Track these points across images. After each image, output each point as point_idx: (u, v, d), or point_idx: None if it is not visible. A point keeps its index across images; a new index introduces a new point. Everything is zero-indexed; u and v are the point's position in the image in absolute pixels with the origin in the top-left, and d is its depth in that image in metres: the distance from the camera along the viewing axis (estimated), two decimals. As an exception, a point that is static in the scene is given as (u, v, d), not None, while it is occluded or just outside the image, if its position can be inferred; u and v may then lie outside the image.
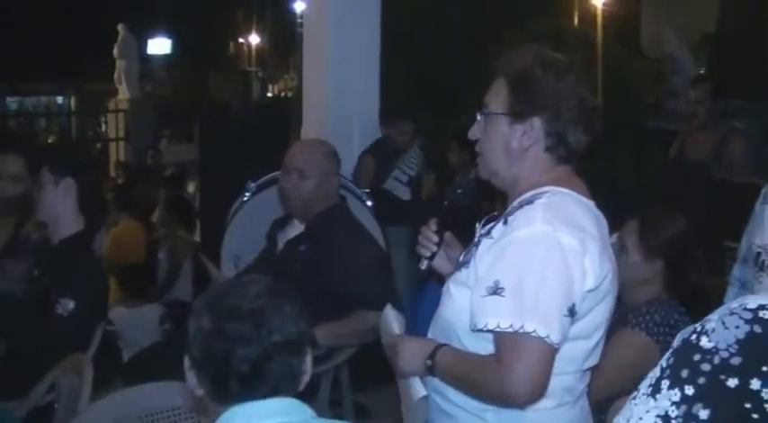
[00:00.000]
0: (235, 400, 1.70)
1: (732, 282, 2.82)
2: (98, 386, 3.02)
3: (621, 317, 2.58)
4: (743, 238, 2.79)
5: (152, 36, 23.55)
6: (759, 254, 2.63)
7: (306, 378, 1.78)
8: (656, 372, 1.14)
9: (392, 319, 2.36)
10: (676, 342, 1.15)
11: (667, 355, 1.15)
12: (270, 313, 1.70)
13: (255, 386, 1.70)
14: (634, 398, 1.16)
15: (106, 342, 3.66)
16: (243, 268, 3.89)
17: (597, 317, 2.03)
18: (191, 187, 9.75)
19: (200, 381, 1.74)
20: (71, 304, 3.34)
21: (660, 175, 6.15)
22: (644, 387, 1.15)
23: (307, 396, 1.80)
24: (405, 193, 5.86)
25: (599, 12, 8.88)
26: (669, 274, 2.71)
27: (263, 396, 1.71)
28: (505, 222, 2.02)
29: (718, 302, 2.94)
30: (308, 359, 1.79)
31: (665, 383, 1.11)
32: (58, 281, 3.43)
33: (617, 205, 2.29)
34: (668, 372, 1.12)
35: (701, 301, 2.73)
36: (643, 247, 2.69)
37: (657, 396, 1.11)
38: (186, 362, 1.75)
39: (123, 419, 2.61)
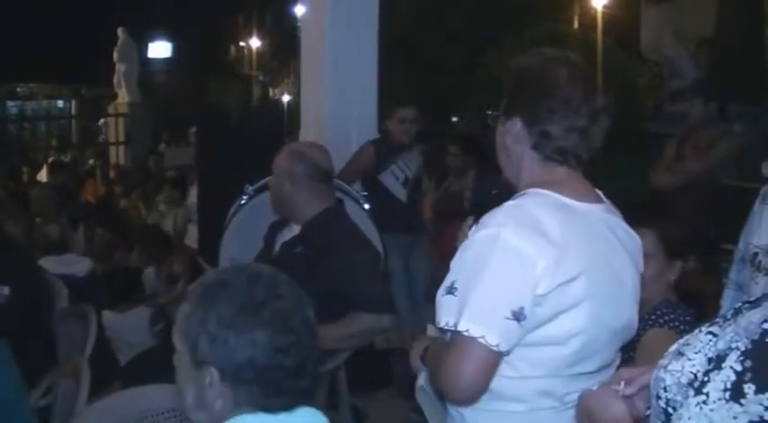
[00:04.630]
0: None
1: (728, 284, 2.81)
2: (95, 390, 3.03)
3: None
4: (740, 238, 2.79)
5: (152, 40, 23.57)
6: (756, 254, 2.62)
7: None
8: (723, 375, 1.12)
9: (431, 330, 2.39)
10: (741, 344, 1.12)
11: (736, 357, 1.12)
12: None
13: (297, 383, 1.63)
14: (704, 402, 1.13)
15: (102, 345, 3.67)
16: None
17: (571, 324, 1.97)
18: (192, 193, 9.73)
19: (238, 390, 1.61)
20: (5, 290, 3.40)
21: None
22: (714, 391, 1.12)
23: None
24: (401, 193, 5.72)
25: (599, 15, 8.87)
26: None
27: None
28: (478, 223, 2.04)
29: (715, 304, 2.95)
30: None
31: (749, 387, 1.09)
32: None
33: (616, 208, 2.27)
34: (750, 375, 1.09)
35: (698, 302, 2.76)
36: (664, 250, 2.73)
37: (743, 401, 1.09)
38: (213, 376, 1.61)
39: (120, 422, 2.61)
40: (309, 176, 3.58)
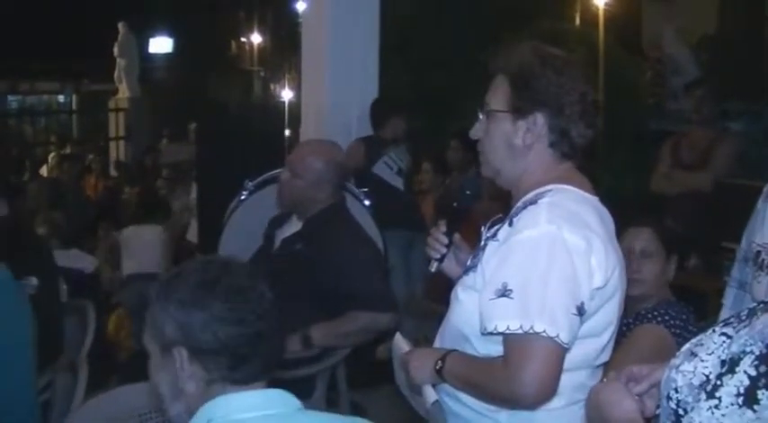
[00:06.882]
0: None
1: (730, 283, 2.80)
2: (93, 386, 3.02)
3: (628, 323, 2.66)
4: (743, 237, 2.78)
5: (153, 35, 23.50)
6: (759, 252, 2.60)
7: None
8: (737, 379, 1.10)
9: (401, 342, 2.36)
10: (756, 348, 1.11)
11: (750, 361, 1.10)
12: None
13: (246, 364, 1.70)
14: (716, 407, 1.11)
15: (101, 342, 3.66)
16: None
17: (607, 315, 2.03)
18: (193, 188, 9.64)
19: (208, 364, 1.69)
20: (34, 280, 3.37)
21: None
22: (727, 396, 1.11)
23: (303, 396, 1.79)
24: (398, 182, 5.76)
25: (600, 12, 8.82)
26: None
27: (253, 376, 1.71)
28: (510, 224, 2.01)
29: (717, 303, 2.94)
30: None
31: (763, 393, 1.08)
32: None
33: (618, 206, 2.27)
34: (764, 381, 1.08)
35: (699, 300, 2.77)
36: (664, 247, 2.82)
37: (756, 407, 1.07)
38: (182, 355, 1.69)
39: (118, 418, 2.60)
40: (336, 178, 3.58)
